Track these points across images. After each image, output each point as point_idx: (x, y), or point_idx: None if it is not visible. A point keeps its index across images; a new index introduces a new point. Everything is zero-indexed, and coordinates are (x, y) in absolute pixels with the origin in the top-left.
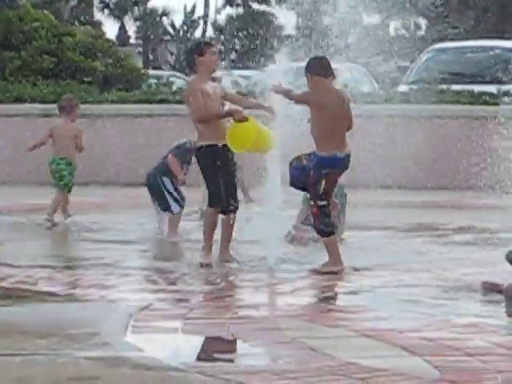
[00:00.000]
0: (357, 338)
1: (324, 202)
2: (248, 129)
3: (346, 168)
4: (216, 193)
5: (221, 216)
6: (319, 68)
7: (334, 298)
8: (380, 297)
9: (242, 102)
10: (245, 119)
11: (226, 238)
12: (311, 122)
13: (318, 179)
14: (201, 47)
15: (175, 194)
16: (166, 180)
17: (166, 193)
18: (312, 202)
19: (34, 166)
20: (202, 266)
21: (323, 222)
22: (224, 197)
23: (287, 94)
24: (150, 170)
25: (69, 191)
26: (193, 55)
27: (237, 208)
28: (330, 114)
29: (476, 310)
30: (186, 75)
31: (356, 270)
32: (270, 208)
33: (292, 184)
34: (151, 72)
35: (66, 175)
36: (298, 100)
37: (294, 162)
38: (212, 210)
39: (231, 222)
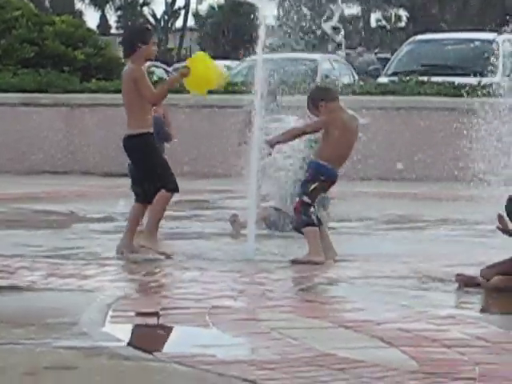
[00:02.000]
0: (335, 328)
1: (309, 201)
2: (199, 71)
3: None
4: (169, 175)
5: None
6: (330, 94)
7: (312, 288)
8: (358, 288)
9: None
10: (188, 71)
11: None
12: (325, 141)
13: (313, 180)
14: (145, 35)
15: None
16: None
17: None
18: (297, 198)
19: (16, 155)
20: (142, 247)
21: (305, 214)
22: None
23: (292, 134)
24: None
25: None
26: (136, 41)
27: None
28: (350, 131)
29: (454, 302)
30: (168, 65)
31: (335, 261)
32: (249, 199)
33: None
34: None
35: None
36: (316, 128)
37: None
38: (170, 193)
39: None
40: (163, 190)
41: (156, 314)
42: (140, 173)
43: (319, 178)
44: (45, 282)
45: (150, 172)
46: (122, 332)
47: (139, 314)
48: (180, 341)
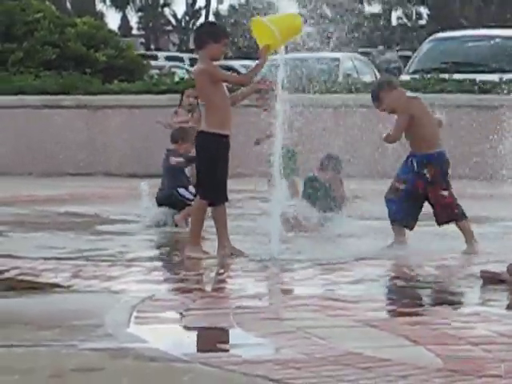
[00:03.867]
0: (360, 327)
1: (451, 194)
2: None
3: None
4: (213, 186)
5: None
6: (394, 81)
7: (337, 287)
8: (383, 286)
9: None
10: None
11: (224, 229)
12: (416, 130)
13: (442, 172)
14: (218, 34)
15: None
16: (182, 190)
17: (187, 201)
18: (445, 193)
19: (39, 157)
20: (189, 258)
21: (459, 206)
22: (220, 189)
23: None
24: (158, 194)
25: None
26: (206, 37)
27: (227, 199)
28: (426, 108)
29: (478, 299)
30: (191, 66)
31: (358, 259)
32: (274, 200)
33: (392, 219)
34: (153, 63)
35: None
36: (405, 123)
37: (388, 195)
38: (203, 202)
39: (224, 211)
40: (198, 197)
41: (181, 315)
42: (197, 170)
43: (443, 167)
44: (69, 283)
45: (200, 172)
46: (148, 333)
47: (164, 315)
48: (205, 341)
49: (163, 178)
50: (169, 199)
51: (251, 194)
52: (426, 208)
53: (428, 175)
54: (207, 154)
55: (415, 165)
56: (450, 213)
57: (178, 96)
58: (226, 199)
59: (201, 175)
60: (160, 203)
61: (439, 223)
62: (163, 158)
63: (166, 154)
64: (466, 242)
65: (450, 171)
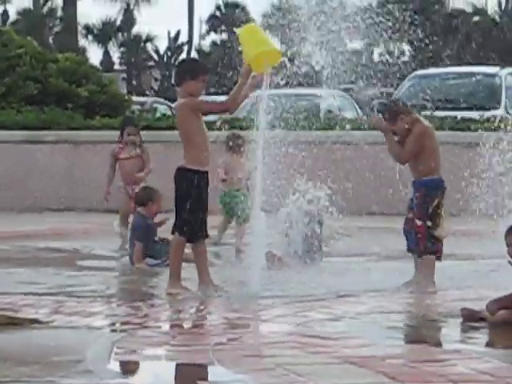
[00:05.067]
0: (340, 364)
1: (431, 224)
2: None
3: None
4: (191, 222)
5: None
6: (407, 107)
7: (317, 324)
8: (363, 323)
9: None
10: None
11: (204, 265)
12: (423, 155)
13: (431, 198)
14: (196, 71)
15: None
16: (150, 260)
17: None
18: (420, 222)
19: (20, 192)
20: (169, 295)
21: (429, 240)
22: (199, 225)
23: (407, 157)
24: (130, 257)
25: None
26: (184, 74)
27: (207, 235)
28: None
29: (459, 337)
30: (171, 102)
31: (339, 296)
32: (252, 232)
33: (408, 249)
34: (135, 98)
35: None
36: (417, 144)
37: (404, 226)
38: (181, 238)
39: (204, 248)
40: (176, 233)
41: (160, 351)
42: (176, 206)
43: (436, 194)
44: (49, 319)
45: (179, 209)
46: (128, 369)
47: (144, 351)
48: (185, 378)
49: (131, 241)
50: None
51: (230, 231)
52: (404, 245)
53: (415, 199)
54: (186, 191)
55: (412, 190)
56: (416, 243)
57: (159, 132)
58: (207, 235)
59: (180, 211)
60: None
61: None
62: (134, 219)
63: (137, 218)
64: (413, 276)
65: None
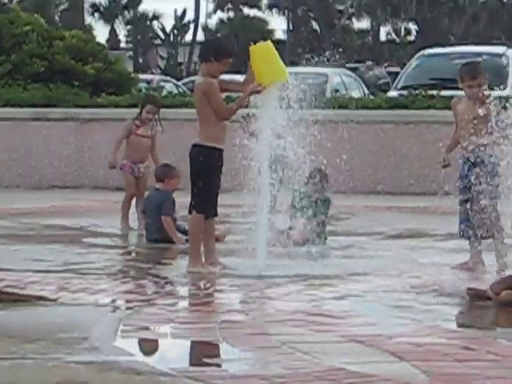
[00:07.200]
0: (346, 343)
1: None
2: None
3: None
4: (206, 199)
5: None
6: None
7: (323, 303)
8: (369, 302)
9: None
10: (260, 87)
11: (211, 242)
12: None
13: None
14: (221, 53)
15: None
16: None
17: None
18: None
19: (26, 169)
20: (191, 273)
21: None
22: (211, 203)
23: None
24: (147, 234)
25: None
26: (209, 54)
27: (217, 214)
28: None
29: (464, 316)
30: (177, 79)
31: (345, 275)
32: (260, 213)
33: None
34: (141, 76)
35: None
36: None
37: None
38: (199, 215)
39: (212, 225)
40: (194, 211)
41: (167, 329)
42: (192, 183)
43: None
44: (56, 296)
45: (194, 185)
46: (134, 346)
47: (150, 329)
48: (191, 355)
49: (149, 214)
50: (160, 242)
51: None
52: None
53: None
54: (201, 167)
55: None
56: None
57: (165, 110)
58: (216, 214)
59: (196, 188)
60: (150, 241)
61: None
62: (149, 195)
63: (155, 193)
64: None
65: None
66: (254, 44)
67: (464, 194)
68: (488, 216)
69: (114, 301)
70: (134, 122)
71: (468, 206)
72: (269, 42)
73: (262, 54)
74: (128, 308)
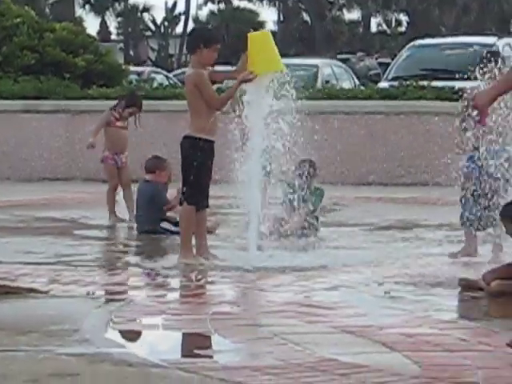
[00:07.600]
0: (337, 334)
1: None
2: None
3: None
4: (198, 190)
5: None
6: None
7: (314, 294)
8: (360, 293)
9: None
10: (252, 75)
11: (203, 234)
12: None
13: None
14: (209, 39)
15: (176, 228)
16: (165, 224)
17: (169, 233)
18: None
19: (17, 162)
20: (182, 264)
21: None
22: (202, 195)
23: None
24: (139, 226)
25: None
26: (197, 42)
27: (208, 205)
28: None
29: (456, 306)
30: (168, 71)
31: (336, 266)
32: (251, 204)
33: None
34: (132, 68)
35: None
36: None
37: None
38: (190, 207)
39: (204, 216)
40: (185, 203)
41: (158, 320)
42: (183, 175)
43: None
44: (46, 288)
45: (186, 177)
46: (125, 338)
47: (142, 320)
48: (182, 347)
49: (140, 206)
50: (151, 233)
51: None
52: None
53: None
54: (192, 159)
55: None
56: None
57: (156, 101)
58: (207, 205)
59: (187, 180)
60: (141, 232)
61: None
62: (139, 187)
63: (145, 185)
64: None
65: None
66: (254, 31)
67: (474, 183)
68: (496, 207)
69: (105, 293)
70: (112, 113)
71: (475, 194)
72: (267, 30)
73: (260, 42)
74: (119, 300)
